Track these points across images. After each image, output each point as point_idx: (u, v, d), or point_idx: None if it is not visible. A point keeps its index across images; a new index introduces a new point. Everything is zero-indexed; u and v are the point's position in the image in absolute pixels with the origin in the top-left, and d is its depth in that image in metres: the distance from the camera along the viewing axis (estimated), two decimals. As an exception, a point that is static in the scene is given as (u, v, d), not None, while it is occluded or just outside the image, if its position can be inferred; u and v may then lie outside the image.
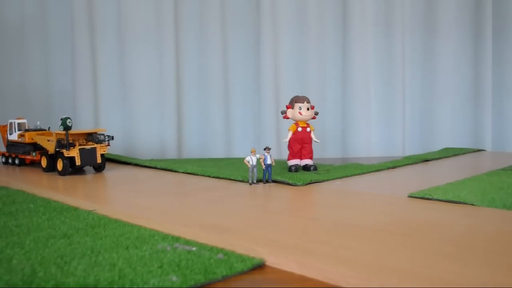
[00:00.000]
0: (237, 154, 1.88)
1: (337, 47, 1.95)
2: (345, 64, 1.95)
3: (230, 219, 0.74)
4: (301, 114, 1.22)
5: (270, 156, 1.09)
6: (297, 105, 1.23)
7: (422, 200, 0.87)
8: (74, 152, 1.22)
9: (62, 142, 1.22)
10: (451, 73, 2.02)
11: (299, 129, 1.23)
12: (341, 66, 1.96)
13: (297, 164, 1.24)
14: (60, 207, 0.86)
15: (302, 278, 0.51)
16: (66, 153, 1.21)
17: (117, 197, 0.98)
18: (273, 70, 1.87)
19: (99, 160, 1.27)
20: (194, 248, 0.58)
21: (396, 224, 0.69)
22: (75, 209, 0.84)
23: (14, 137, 1.47)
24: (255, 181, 1.08)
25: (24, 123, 1.48)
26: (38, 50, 1.79)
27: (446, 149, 1.90)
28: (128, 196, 0.96)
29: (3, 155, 1.55)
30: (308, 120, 1.24)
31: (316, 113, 1.26)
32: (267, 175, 1.09)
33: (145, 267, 0.52)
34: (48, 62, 1.81)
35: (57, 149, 1.23)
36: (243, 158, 1.09)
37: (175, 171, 1.33)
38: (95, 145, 1.26)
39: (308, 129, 1.24)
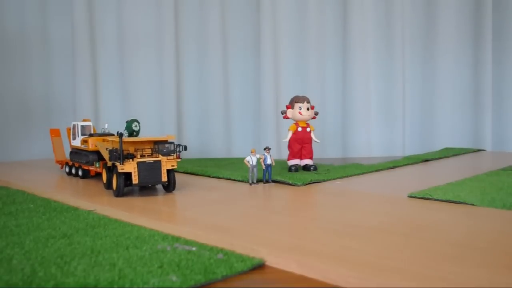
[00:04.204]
0: (237, 154, 1.88)
1: (337, 47, 1.95)
2: (345, 64, 1.95)
3: (230, 219, 0.74)
4: (301, 114, 1.22)
5: (270, 156, 1.09)
6: (297, 105, 1.23)
7: (422, 200, 0.87)
8: (131, 167, 0.92)
9: (115, 153, 0.92)
10: (451, 73, 2.02)
11: (299, 129, 1.23)
12: (341, 66, 1.96)
13: (297, 164, 1.24)
14: (60, 207, 0.86)
15: (302, 278, 0.51)
16: (119, 168, 0.92)
17: (118, 198, 0.98)
18: (273, 70, 1.87)
19: (164, 178, 0.95)
20: (194, 248, 0.58)
21: (396, 224, 0.69)
22: (75, 209, 0.84)
23: (77, 142, 1.22)
24: (255, 181, 1.08)
25: (89, 126, 1.23)
26: (39, 53, 1.78)
27: (446, 149, 1.90)
28: (128, 196, 0.96)
29: (66, 164, 1.28)
30: (308, 120, 1.24)
31: (316, 113, 1.26)
32: (267, 175, 1.09)
33: (145, 267, 0.52)
34: (49, 65, 1.80)
35: (112, 162, 0.94)
36: (243, 158, 1.09)
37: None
38: (160, 158, 0.95)
39: (308, 129, 1.24)
